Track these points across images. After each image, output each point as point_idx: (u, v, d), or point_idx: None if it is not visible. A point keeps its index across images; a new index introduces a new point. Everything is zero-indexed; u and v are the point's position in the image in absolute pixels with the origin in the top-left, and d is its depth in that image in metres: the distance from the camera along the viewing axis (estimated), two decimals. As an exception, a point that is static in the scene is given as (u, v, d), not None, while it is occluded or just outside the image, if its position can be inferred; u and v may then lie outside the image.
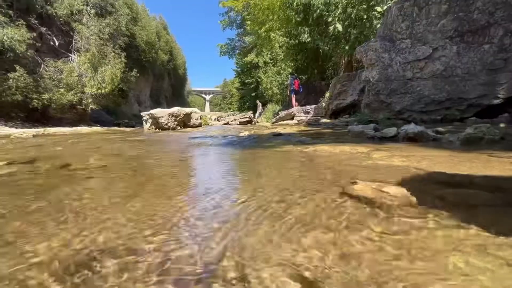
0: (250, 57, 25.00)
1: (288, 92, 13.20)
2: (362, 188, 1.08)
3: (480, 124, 2.66)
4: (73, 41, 12.41)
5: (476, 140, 2.30)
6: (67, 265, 0.64)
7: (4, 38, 9.10)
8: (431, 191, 1.07)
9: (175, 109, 7.91)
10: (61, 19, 11.80)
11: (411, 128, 2.75)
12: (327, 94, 9.42)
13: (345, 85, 8.30)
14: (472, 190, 1.07)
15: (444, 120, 5.02)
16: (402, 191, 1.00)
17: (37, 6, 11.26)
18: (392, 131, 3.00)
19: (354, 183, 1.16)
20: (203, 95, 72.88)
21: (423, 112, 5.22)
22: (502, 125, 3.41)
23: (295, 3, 10.05)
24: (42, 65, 11.17)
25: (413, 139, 2.67)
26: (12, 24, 9.72)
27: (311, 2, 9.29)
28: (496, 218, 0.83)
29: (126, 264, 0.64)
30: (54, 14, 11.53)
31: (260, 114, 16.60)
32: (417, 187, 1.11)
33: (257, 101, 20.50)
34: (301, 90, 12.32)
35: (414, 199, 0.94)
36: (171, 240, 0.76)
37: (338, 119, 7.79)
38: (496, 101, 4.66)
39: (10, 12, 10.08)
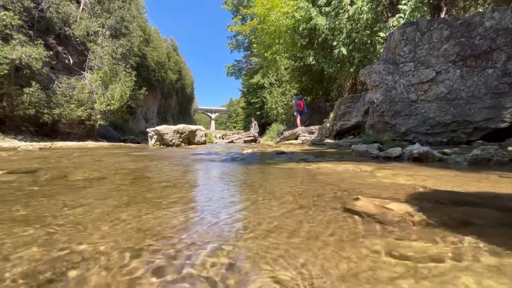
0: (256, 78, 25.65)
1: (293, 112, 13.37)
2: (365, 204, 1.03)
3: (487, 146, 2.61)
4: (87, 59, 12.95)
5: (483, 161, 2.23)
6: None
7: (22, 56, 9.55)
8: (438, 209, 1.02)
9: (180, 126, 8.01)
10: (77, 39, 12.41)
11: (416, 148, 2.70)
12: (332, 115, 9.48)
13: (349, 107, 8.37)
14: (481, 209, 1.01)
15: (451, 142, 4.95)
16: (406, 208, 0.95)
17: (56, 27, 11.91)
18: (396, 151, 2.96)
19: (357, 199, 1.12)
20: (209, 114, 74.15)
21: (428, 134, 5.17)
22: (510, 148, 3.34)
23: (300, 28, 10.44)
24: (56, 82, 11.58)
25: (418, 159, 2.61)
26: (31, 43, 10.24)
27: (316, 27, 9.64)
28: (508, 237, 0.77)
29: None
30: (72, 34, 12.16)
31: (255, 131, 16.43)
32: (423, 205, 1.06)
33: (252, 118, 20.30)
34: (305, 110, 12.46)
35: (419, 216, 0.89)
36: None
37: (342, 139, 7.76)
38: (503, 125, 4.61)
39: (31, 32, 10.67)
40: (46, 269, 0.62)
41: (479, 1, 9.15)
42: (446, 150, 3.29)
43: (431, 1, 8.59)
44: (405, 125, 5.34)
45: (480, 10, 8.46)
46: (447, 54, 4.98)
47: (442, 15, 8.40)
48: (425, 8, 8.56)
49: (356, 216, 0.95)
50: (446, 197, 1.21)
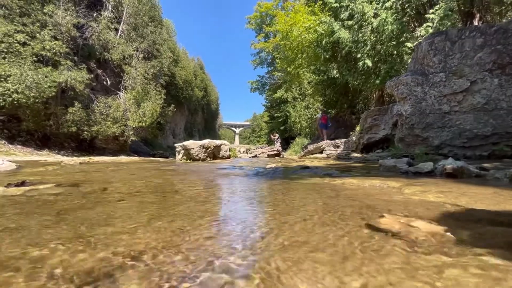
0: (280, 93, 25.93)
1: (317, 126, 13.25)
2: (389, 222, 1.01)
3: (533, 160, 2.38)
4: (122, 80, 14.07)
5: (528, 177, 2.04)
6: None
7: (68, 79, 10.66)
8: (469, 228, 0.96)
9: (206, 141, 8.27)
10: (114, 62, 13.60)
11: (449, 163, 2.54)
12: (358, 128, 9.24)
13: (376, 119, 8.11)
14: (519, 230, 0.94)
15: (492, 156, 4.57)
16: (433, 226, 0.91)
17: (97, 53, 13.19)
18: (428, 166, 2.80)
19: (381, 216, 1.09)
20: (233, 129, 75.73)
21: (466, 147, 4.83)
22: (562, 162, 3.01)
23: (323, 41, 10.50)
24: (95, 101, 12.67)
25: (452, 175, 2.44)
26: (75, 68, 11.42)
27: (339, 40, 9.63)
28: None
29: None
30: (110, 58, 13.36)
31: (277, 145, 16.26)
32: (453, 224, 1.00)
33: (274, 132, 20.06)
34: (330, 124, 12.29)
35: (447, 235, 0.85)
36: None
37: (369, 153, 7.49)
38: (553, 136, 4.19)
39: (75, 58, 11.93)
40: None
41: (517, 6, 8.58)
42: (485, 165, 3.05)
43: (462, 8, 8.23)
44: (438, 138, 5.05)
45: (519, 14, 7.93)
46: (482, 62, 4.70)
47: (475, 22, 7.98)
48: (455, 16, 8.21)
49: (378, 233, 0.93)
50: (480, 216, 1.13)
